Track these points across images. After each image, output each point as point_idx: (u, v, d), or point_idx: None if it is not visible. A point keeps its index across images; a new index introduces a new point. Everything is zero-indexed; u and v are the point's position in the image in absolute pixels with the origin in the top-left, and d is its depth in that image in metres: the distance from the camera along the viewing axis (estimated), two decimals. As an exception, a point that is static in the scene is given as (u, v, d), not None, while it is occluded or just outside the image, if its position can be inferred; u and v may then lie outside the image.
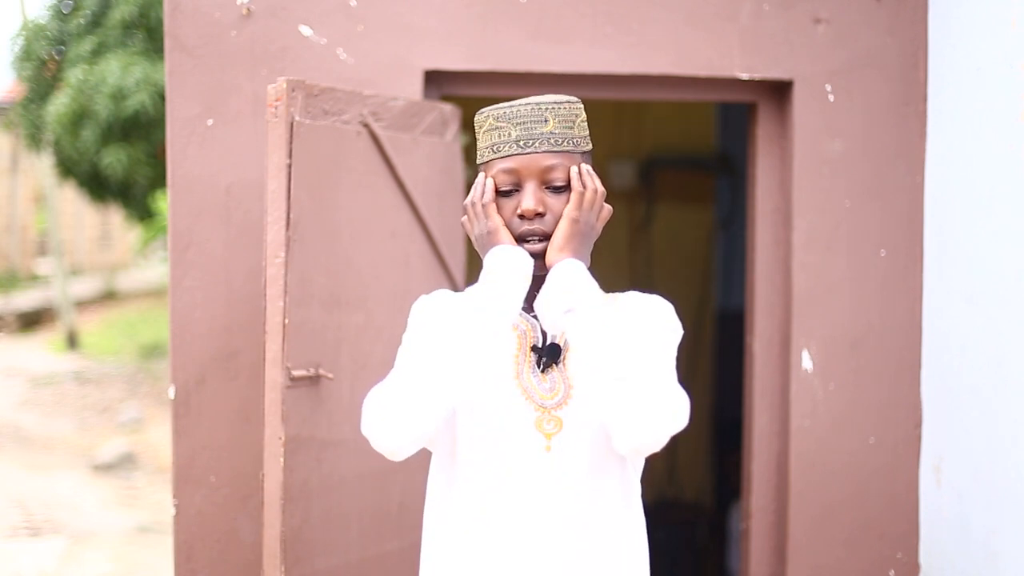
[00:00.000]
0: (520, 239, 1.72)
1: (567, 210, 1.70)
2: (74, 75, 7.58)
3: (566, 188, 1.72)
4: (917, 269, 3.20)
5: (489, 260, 1.69)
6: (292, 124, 2.54)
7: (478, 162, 1.79)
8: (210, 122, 3.00)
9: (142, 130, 7.44)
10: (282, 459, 2.49)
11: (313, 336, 2.63)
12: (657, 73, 3.15)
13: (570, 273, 1.65)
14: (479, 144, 1.78)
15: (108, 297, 18.19)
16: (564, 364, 1.76)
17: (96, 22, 8.01)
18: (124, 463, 7.71)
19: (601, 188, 1.74)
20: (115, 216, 17.67)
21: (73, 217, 20.25)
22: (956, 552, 2.98)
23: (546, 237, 1.71)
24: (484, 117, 1.76)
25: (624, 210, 5.62)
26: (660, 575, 2.61)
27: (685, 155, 5.73)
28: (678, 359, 1.76)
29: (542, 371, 1.76)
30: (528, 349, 1.77)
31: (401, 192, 2.90)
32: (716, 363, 5.68)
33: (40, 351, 13.25)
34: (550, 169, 1.71)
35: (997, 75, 2.80)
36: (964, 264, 2.96)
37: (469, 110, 2.50)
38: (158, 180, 8.00)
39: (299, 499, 2.57)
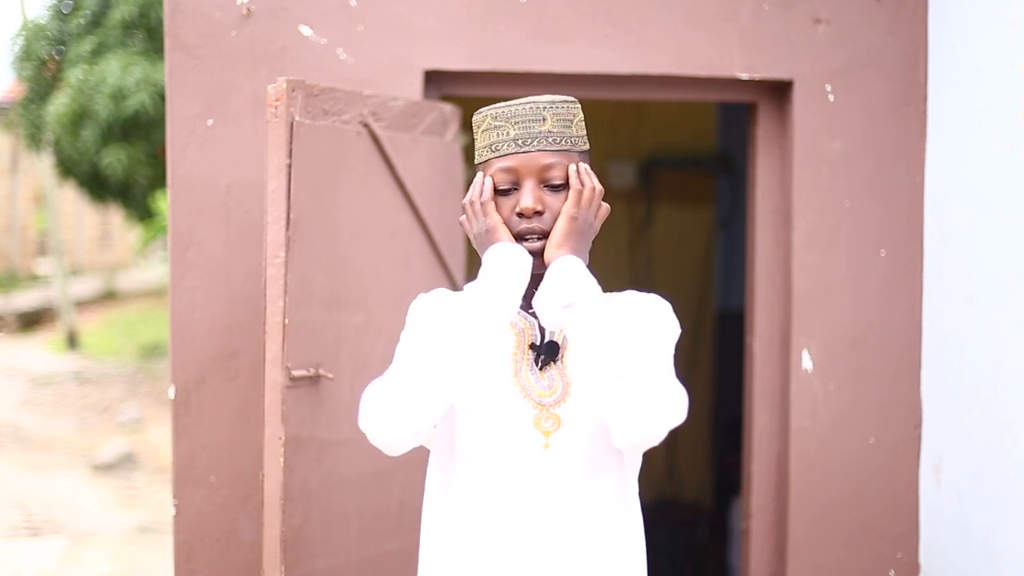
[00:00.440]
0: (519, 237, 1.72)
1: (565, 208, 1.71)
2: (74, 75, 7.58)
3: (564, 186, 1.73)
4: (917, 269, 3.20)
5: (488, 258, 1.70)
6: (292, 124, 2.54)
7: (476, 162, 1.79)
8: (210, 122, 3.00)
9: (142, 130, 7.44)
10: (282, 459, 2.49)
11: (313, 336, 2.63)
12: (657, 73, 3.15)
13: (569, 269, 1.66)
14: (477, 144, 1.78)
15: (108, 297, 18.19)
16: (562, 362, 1.77)
17: (96, 22, 8.01)
18: (124, 463, 7.71)
19: (599, 186, 1.74)
20: (115, 216, 17.67)
21: (73, 217, 20.25)
22: (956, 552, 2.98)
23: (545, 235, 1.72)
24: (482, 117, 1.76)
25: (624, 210, 5.62)
26: (660, 575, 2.62)
27: (685, 155, 5.73)
28: (676, 358, 1.76)
29: (540, 369, 1.76)
30: (526, 347, 1.78)
31: (401, 192, 2.90)
32: (716, 363, 5.68)
33: (40, 351, 13.25)
34: (548, 168, 1.72)
35: (997, 75, 2.80)
36: (964, 264, 2.96)
37: (469, 110, 2.50)
38: (158, 180, 8.00)
39: (299, 499, 2.57)
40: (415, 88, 3.06)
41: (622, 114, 5.61)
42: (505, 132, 1.73)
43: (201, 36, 3.00)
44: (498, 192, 1.74)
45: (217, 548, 3.01)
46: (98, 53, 7.74)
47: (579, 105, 1.77)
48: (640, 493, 1.85)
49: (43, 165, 13.80)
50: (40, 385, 10.84)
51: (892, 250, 3.19)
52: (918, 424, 3.20)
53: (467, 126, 2.97)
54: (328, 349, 2.67)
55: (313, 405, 2.62)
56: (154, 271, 20.87)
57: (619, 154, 5.63)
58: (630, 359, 1.56)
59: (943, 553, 3.06)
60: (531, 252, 1.71)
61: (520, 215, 1.72)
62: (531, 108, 1.73)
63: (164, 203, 9.79)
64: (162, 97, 6.84)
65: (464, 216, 1.78)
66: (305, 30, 3.02)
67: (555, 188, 1.72)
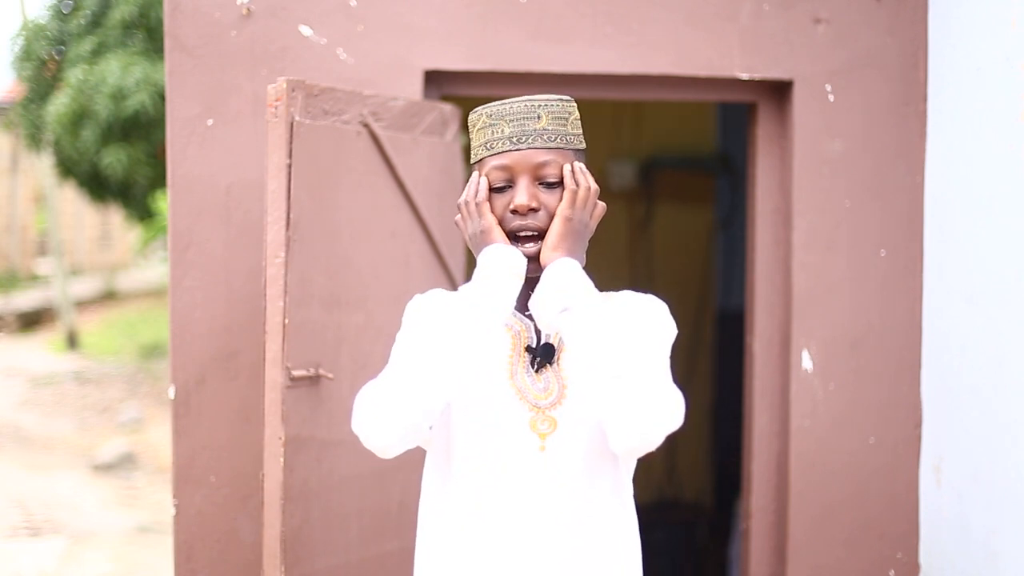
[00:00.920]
0: (513, 235, 1.72)
1: (560, 208, 1.71)
2: (74, 75, 7.58)
3: (559, 184, 1.72)
4: (917, 269, 3.20)
5: (482, 259, 1.70)
6: (292, 124, 2.54)
7: (472, 160, 1.79)
8: (210, 122, 3.00)
9: (142, 130, 7.44)
10: (282, 459, 2.49)
11: (313, 336, 2.63)
12: (657, 73, 3.15)
13: (565, 272, 1.66)
14: (473, 143, 1.78)
15: (108, 297, 18.19)
16: (558, 364, 1.76)
17: (96, 22, 8.01)
18: (124, 463, 7.71)
19: (594, 186, 1.74)
20: (115, 216, 17.67)
21: (73, 217, 20.25)
22: (956, 552, 2.98)
23: (539, 233, 1.72)
24: (477, 115, 1.76)
25: (624, 210, 5.62)
26: (660, 575, 2.62)
27: (685, 155, 5.73)
28: (673, 359, 1.76)
29: (536, 371, 1.76)
30: (522, 349, 1.77)
31: (401, 192, 2.90)
32: (716, 363, 5.68)
33: (40, 351, 13.25)
34: (543, 165, 1.72)
35: (997, 75, 2.80)
36: (964, 264, 2.96)
37: (469, 110, 2.50)
38: (158, 180, 8.01)
39: (299, 499, 2.57)
40: (415, 88, 3.06)
41: (622, 114, 5.61)
42: (500, 130, 1.73)
43: (201, 36, 3.00)
44: (493, 190, 1.73)
45: (217, 548, 3.01)
46: (98, 53, 7.74)
47: (575, 103, 1.77)
48: (638, 493, 1.85)
49: (43, 165, 13.80)
50: (40, 385, 10.84)
51: (892, 250, 3.19)
52: (918, 424, 3.20)
53: (467, 126, 2.97)
54: (328, 349, 2.67)
55: (313, 405, 2.62)
56: (154, 271, 20.87)
57: (619, 154, 5.63)
58: (627, 364, 1.56)
59: (943, 553, 3.06)
60: (526, 255, 1.71)
61: (515, 212, 1.71)
62: (526, 106, 1.72)
63: (164, 203, 9.79)
64: (162, 97, 6.84)
65: (459, 216, 1.77)
66: (305, 30, 3.02)
67: (550, 186, 1.72)
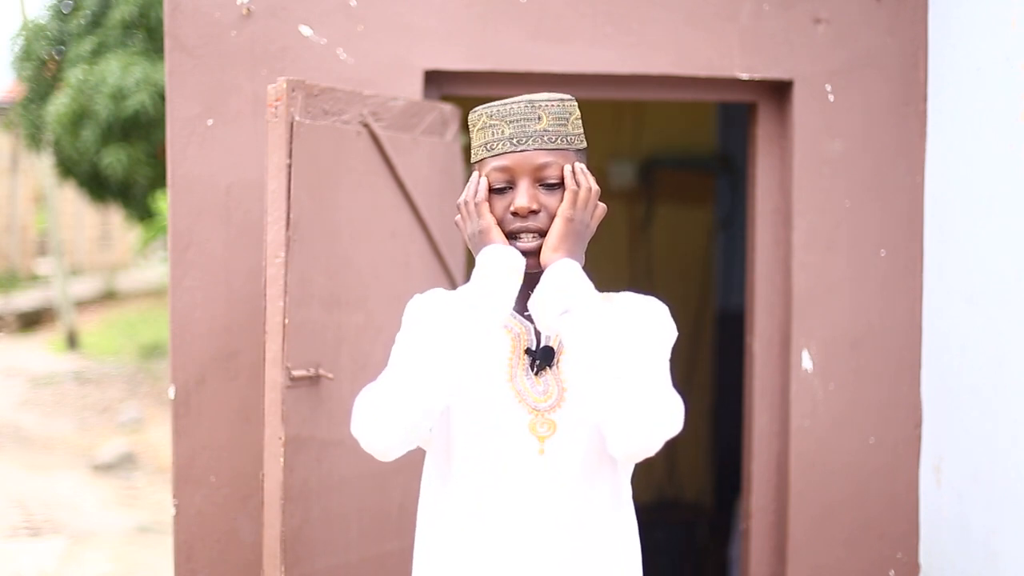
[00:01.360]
0: (513, 236, 1.72)
1: (561, 209, 1.70)
2: (74, 75, 7.58)
3: (559, 185, 1.72)
4: (917, 269, 3.20)
5: (481, 259, 1.70)
6: (292, 124, 2.54)
7: (472, 160, 1.79)
8: (210, 122, 3.00)
9: (142, 130, 7.44)
10: (282, 459, 2.49)
11: (313, 336, 2.63)
12: (657, 73, 3.15)
13: (565, 273, 1.65)
14: (473, 143, 1.78)
15: (108, 297, 18.19)
16: (558, 367, 1.76)
17: (96, 22, 8.01)
18: (124, 463, 7.71)
19: (595, 186, 1.73)
20: (115, 216, 17.67)
21: (73, 217, 20.25)
22: (956, 552, 2.98)
23: (540, 234, 1.71)
24: (477, 116, 1.76)
25: (624, 210, 5.62)
26: (660, 575, 2.62)
27: (685, 155, 5.73)
28: (673, 359, 1.76)
29: (536, 374, 1.76)
30: (522, 351, 1.77)
31: (401, 192, 2.90)
32: (716, 363, 5.68)
33: (40, 351, 13.25)
34: (543, 167, 1.71)
35: (997, 75, 2.80)
36: (964, 264, 2.96)
37: (469, 110, 2.50)
38: (158, 180, 8.01)
39: (299, 499, 2.57)
40: (415, 88, 3.06)
41: (622, 114, 5.61)
42: (500, 131, 1.72)
43: (201, 36, 3.00)
44: (493, 191, 1.73)
45: (217, 548, 3.01)
46: (98, 53, 7.74)
47: (576, 103, 1.76)
48: (638, 493, 1.85)
49: (43, 165, 13.80)
50: (40, 385, 10.84)
51: (892, 250, 3.19)
52: (918, 424, 3.20)
53: (467, 126, 2.97)
54: (328, 349, 2.67)
55: (313, 405, 2.62)
56: (154, 271, 20.87)
57: (619, 154, 5.63)
58: (627, 369, 1.56)
59: (943, 553, 3.06)
60: (525, 251, 1.70)
61: (515, 214, 1.71)
62: (526, 106, 1.72)
63: (164, 203, 9.79)
64: (162, 97, 6.85)
65: (459, 216, 1.77)
66: (305, 30, 3.02)
67: (550, 187, 1.72)
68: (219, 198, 3.00)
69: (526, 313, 1.77)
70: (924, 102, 3.18)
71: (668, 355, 1.74)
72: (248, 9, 3.01)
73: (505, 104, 1.73)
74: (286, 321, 2.51)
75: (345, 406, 2.69)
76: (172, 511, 3.03)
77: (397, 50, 3.06)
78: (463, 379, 1.66)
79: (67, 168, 9.03)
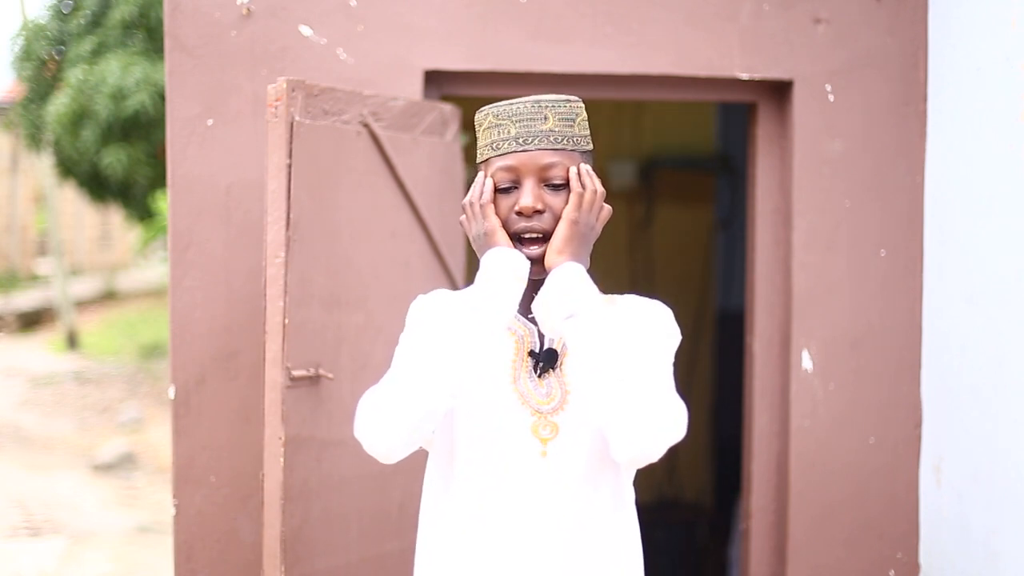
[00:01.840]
0: (518, 236, 1.71)
1: (566, 212, 1.69)
2: (74, 75, 7.58)
3: (565, 186, 1.71)
4: (917, 269, 3.20)
5: (485, 261, 1.69)
6: (292, 124, 2.54)
7: (478, 160, 1.78)
8: (210, 122, 3.00)
9: (142, 130, 7.44)
10: (282, 459, 2.49)
11: (313, 336, 2.63)
12: (657, 73, 3.15)
13: (570, 277, 1.65)
14: (479, 142, 1.77)
15: (108, 297, 18.19)
16: (561, 369, 1.76)
17: (96, 22, 8.01)
18: (124, 463, 7.71)
19: (601, 188, 1.72)
20: (115, 216, 17.67)
21: (73, 217, 20.25)
22: (956, 552, 2.98)
23: (545, 235, 1.71)
24: (484, 115, 1.75)
25: (624, 210, 5.62)
26: (660, 575, 2.62)
27: (685, 155, 5.73)
28: (676, 363, 1.76)
29: (539, 376, 1.75)
30: (525, 354, 1.77)
31: (401, 192, 2.90)
32: (716, 363, 5.68)
33: (40, 351, 13.25)
34: (549, 167, 1.71)
35: (997, 75, 2.80)
36: (964, 264, 2.96)
37: (469, 110, 2.50)
38: (158, 180, 8.00)
39: (299, 499, 2.57)
40: (415, 88, 3.06)
41: (622, 114, 5.61)
42: (506, 130, 1.72)
43: (201, 36, 3.00)
44: (499, 190, 1.72)
45: (217, 548, 3.01)
46: (98, 53, 7.74)
47: (582, 104, 1.76)
48: (639, 493, 1.85)
49: (43, 165, 13.80)
50: (40, 385, 10.84)
51: (892, 250, 3.19)
52: (918, 424, 3.20)
53: (467, 126, 2.97)
54: (328, 349, 2.67)
55: (313, 405, 2.62)
56: (154, 271, 20.87)
57: (619, 154, 5.63)
58: (631, 375, 1.56)
59: (943, 553, 3.06)
60: (530, 258, 1.70)
61: (520, 214, 1.70)
62: (533, 107, 1.71)
63: (164, 203, 9.78)
64: (162, 97, 6.84)
65: (464, 216, 1.77)
66: (305, 30, 3.02)
67: (556, 187, 1.71)
68: (219, 198, 3.00)
69: (530, 315, 1.77)
70: (924, 102, 3.18)
71: (672, 360, 1.74)
72: (248, 9, 3.01)
73: (512, 104, 1.72)
74: (286, 321, 2.51)
75: (345, 406, 2.69)
76: (172, 511, 3.03)
77: (397, 50, 3.06)
78: (466, 382, 1.66)
79: (67, 168, 9.03)
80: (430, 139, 3.00)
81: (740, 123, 5.11)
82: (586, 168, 1.73)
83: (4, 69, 21.79)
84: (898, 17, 3.17)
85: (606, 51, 3.12)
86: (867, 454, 3.19)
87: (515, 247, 1.71)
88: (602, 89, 3.22)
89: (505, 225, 1.71)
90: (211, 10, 3.00)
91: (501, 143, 1.72)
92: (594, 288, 1.66)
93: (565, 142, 1.72)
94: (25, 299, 16.46)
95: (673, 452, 1.61)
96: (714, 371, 5.69)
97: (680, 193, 5.75)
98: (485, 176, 1.74)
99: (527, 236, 1.71)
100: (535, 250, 1.70)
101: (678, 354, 1.77)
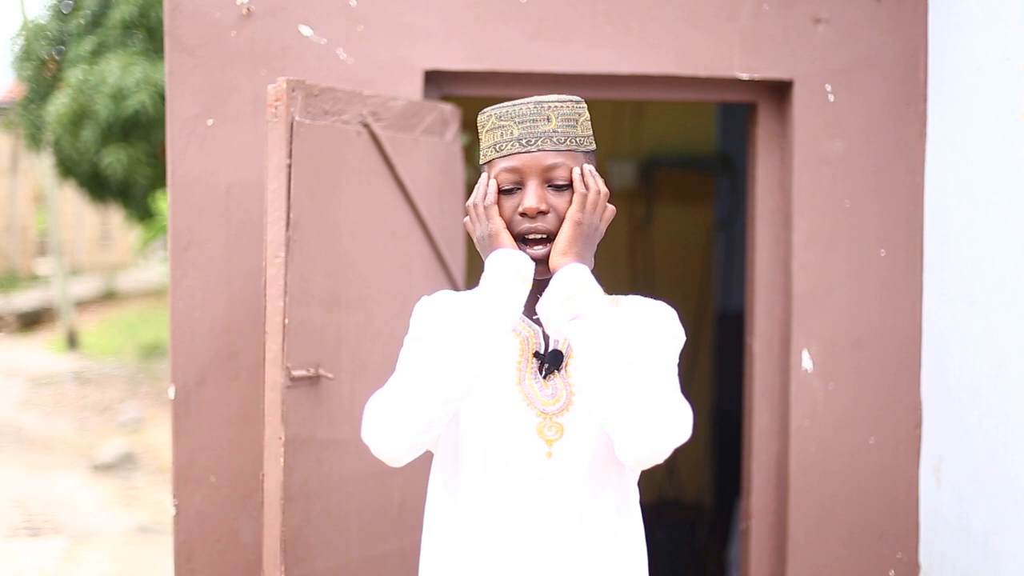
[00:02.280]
0: (522, 237, 1.71)
1: (570, 212, 1.69)
2: (74, 75, 7.59)
3: (568, 187, 1.71)
4: (917, 269, 3.20)
5: (490, 263, 1.69)
6: (292, 124, 2.54)
7: (481, 161, 1.78)
8: (210, 122, 3.00)
9: (142, 130, 7.44)
10: (282, 459, 2.49)
11: (313, 336, 2.63)
12: (657, 73, 3.15)
13: (574, 278, 1.65)
14: (482, 144, 1.77)
15: (108, 297, 18.18)
16: (566, 370, 1.76)
17: (96, 22, 8.01)
18: (124, 463, 7.71)
19: (604, 189, 1.72)
20: (115, 216, 17.65)
21: (73, 217, 20.24)
22: (956, 552, 2.98)
23: (549, 236, 1.71)
24: (487, 116, 1.75)
25: (624, 210, 5.62)
26: (660, 575, 2.62)
27: (685, 155, 5.73)
28: (679, 364, 1.76)
29: (544, 377, 1.76)
30: (530, 355, 1.77)
31: (401, 192, 2.90)
32: (716, 363, 5.68)
33: (40, 351, 13.24)
34: (552, 168, 1.70)
35: (997, 75, 2.80)
36: (964, 264, 2.96)
37: (469, 110, 2.50)
38: (158, 180, 8.01)
39: (299, 499, 2.57)
40: (415, 88, 3.06)
41: (622, 114, 5.61)
42: (509, 132, 1.72)
43: (201, 36, 3.00)
44: (502, 192, 1.72)
45: (217, 548, 3.01)
46: (98, 53, 7.74)
47: (585, 105, 1.76)
48: (640, 494, 1.85)
49: (43, 165, 13.79)
50: (40, 385, 10.84)
51: (892, 250, 3.19)
52: (918, 424, 3.20)
53: (467, 126, 2.98)
54: (328, 349, 2.67)
55: (313, 405, 2.62)
56: (154, 271, 20.87)
57: (619, 154, 5.63)
58: (637, 377, 1.56)
59: (943, 553, 3.06)
60: (535, 259, 1.70)
61: (523, 215, 1.70)
62: (536, 108, 1.71)
63: (164, 203, 9.78)
64: (162, 97, 6.85)
65: (468, 218, 1.77)
66: (305, 30, 3.02)
67: (559, 188, 1.71)
68: (219, 198, 3.00)
69: (535, 316, 1.76)
70: (924, 102, 3.18)
71: (676, 361, 1.74)
72: (248, 9, 3.01)
73: (515, 105, 1.72)
74: (286, 321, 2.51)
75: (345, 406, 2.69)
76: (172, 511, 3.03)
77: (397, 50, 3.06)
78: (471, 385, 1.66)
79: (67, 168, 9.03)
80: (430, 139, 3.00)
81: (740, 123, 5.10)
82: (589, 168, 1.73)
83: (4, 69, 21.80)
84: (898, 17, 3.17)
85: (606, 51, 3.12)
86: (867, 454, 3.19)
87: (519, 248, 1.70)
88: (602, 89, 3.22)
89: (509, 226, 1.71)
90: (211, 10, 3.00)
91: (504, 144, 1.72)
92: (599, 289, 1.66)
93: (568, 143, 1.72)
94: (25, 299, 16.46)
95: (673, 452, 1.61)
96: (714, 371, 5.69)
97: (680, 193, 5.75)
98: (489, 178, 1.74)
99: (531, 237, 1.71)
100: (539, 251, 1.70)
101: (679, 358, 1.77)
